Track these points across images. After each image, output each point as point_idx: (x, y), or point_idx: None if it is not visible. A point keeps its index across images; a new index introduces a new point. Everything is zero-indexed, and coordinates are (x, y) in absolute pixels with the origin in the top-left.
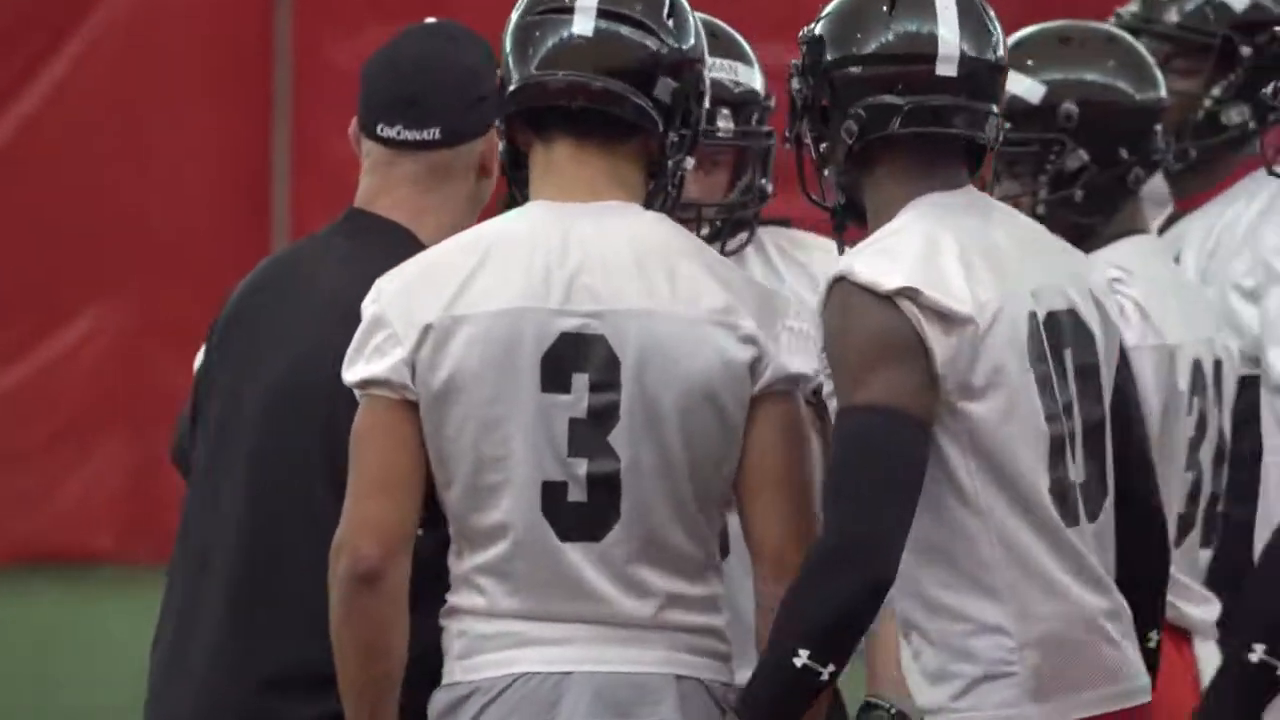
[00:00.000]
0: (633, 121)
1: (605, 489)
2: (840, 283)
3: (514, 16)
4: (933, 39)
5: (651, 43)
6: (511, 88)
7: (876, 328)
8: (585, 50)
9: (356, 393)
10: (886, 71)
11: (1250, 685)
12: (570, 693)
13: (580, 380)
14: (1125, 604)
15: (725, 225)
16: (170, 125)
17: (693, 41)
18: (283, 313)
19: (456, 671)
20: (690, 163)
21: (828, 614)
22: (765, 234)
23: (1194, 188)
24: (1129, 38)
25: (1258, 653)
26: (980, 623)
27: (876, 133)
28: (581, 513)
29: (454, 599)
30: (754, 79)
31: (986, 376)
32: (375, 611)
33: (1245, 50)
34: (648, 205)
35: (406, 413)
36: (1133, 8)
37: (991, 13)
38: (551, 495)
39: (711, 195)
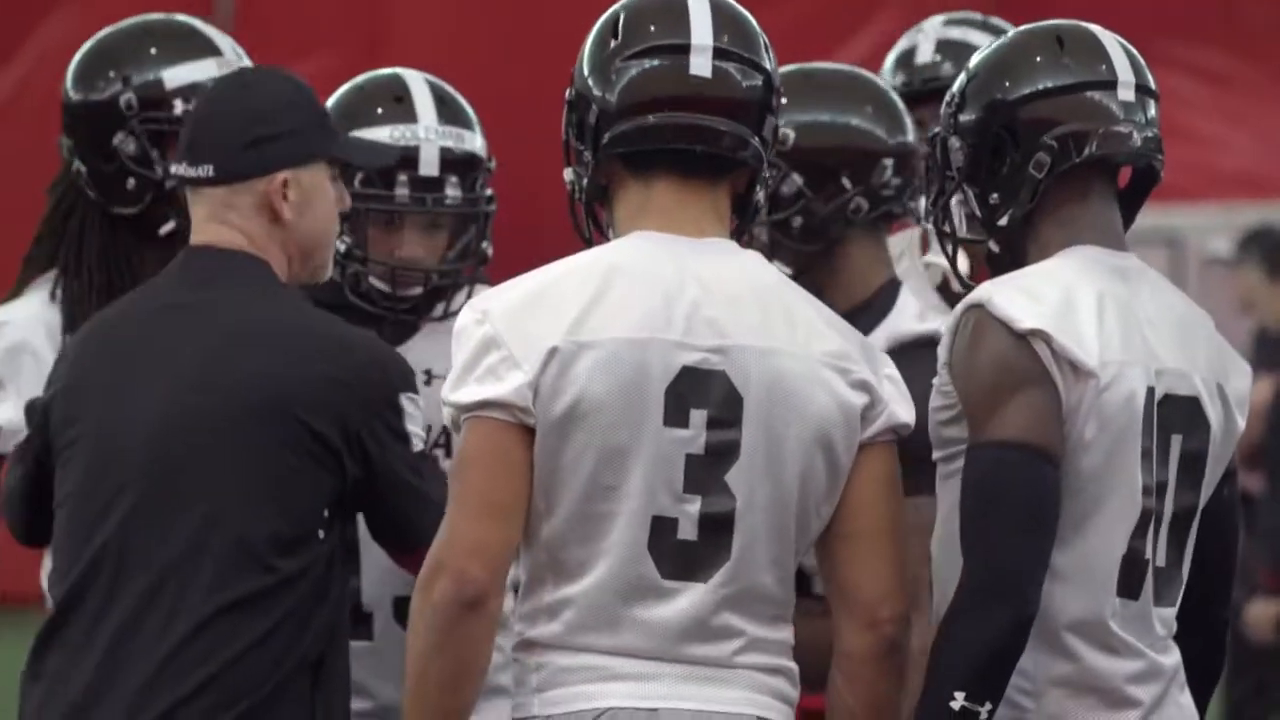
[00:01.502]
0: (739, 160)
1: (718, 529)
2: (976, 310)
3: (605, 51)
4: (1111, 67)
5: (760, 81)
6: (627, 127)
7: (1008, 360)
8: (706, 92)
9: (459, 414)
10: (1072, 101)
11: None
12: None
13: (698, 416)
14: (1165, 667)
15: (449, 286)
16: None
17: (773, 72)
18: (169, 347)
19: (534, 705)
20: (761, 196)
21: (979, 653)
22: None
23: None
24: (880, 82)
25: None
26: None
27: (1067, 162)
28: (690, 551)
29: (532, 631)
30: (476, 143)
31: (1095, 432)
32: (475, 637)
33: None
34: (736, 236)
35: (521, 436)
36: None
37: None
38: (660, 531)
39: (433, 256)
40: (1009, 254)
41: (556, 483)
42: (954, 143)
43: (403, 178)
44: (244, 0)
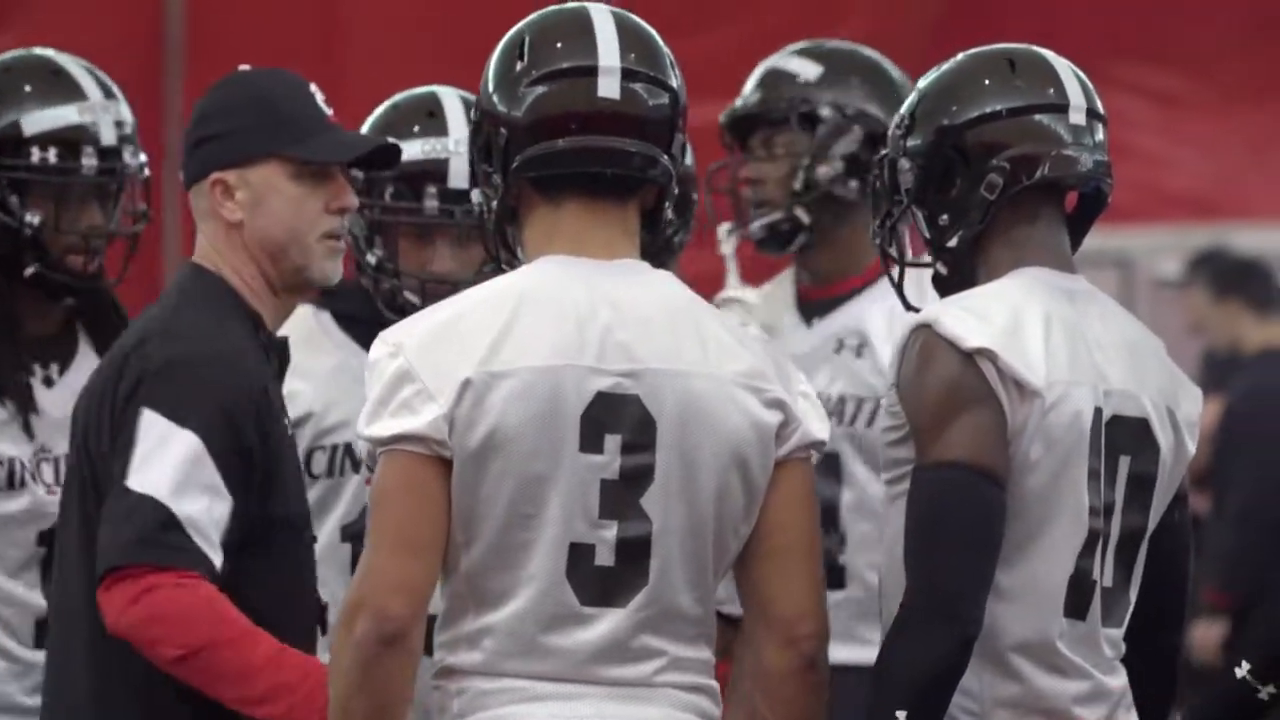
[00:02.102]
0: (648, 180)
1: (634, 553)
2: (924, 329)
3: (512, 73)
4: (1061, 90)
5: (667, 99)
6: (536, 151)
7: (955, 379)
8: (614, 114)
9: (375, 448)
10: (1023, 123)
11: None
12: None
13: (613, 441)
14: (1113, 689)
15: None
16: None
17: (680, 89)
18: None
19: None
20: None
21: (921, 673)
22: None
23: None
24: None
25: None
26: (959, 686)
27: (1018, 185)
28: (607, 577)
29: (452, 658)
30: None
31: (1040, 452)
32: (396, 673)
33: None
34: (646, 252)
35: (438, 469)
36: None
37: None
38: (577, 558)
39: (467, 268)
40: (957, 276)
41: (475, 514)
42: (903, 164)
43: (432, 190)
44: (195, 13)
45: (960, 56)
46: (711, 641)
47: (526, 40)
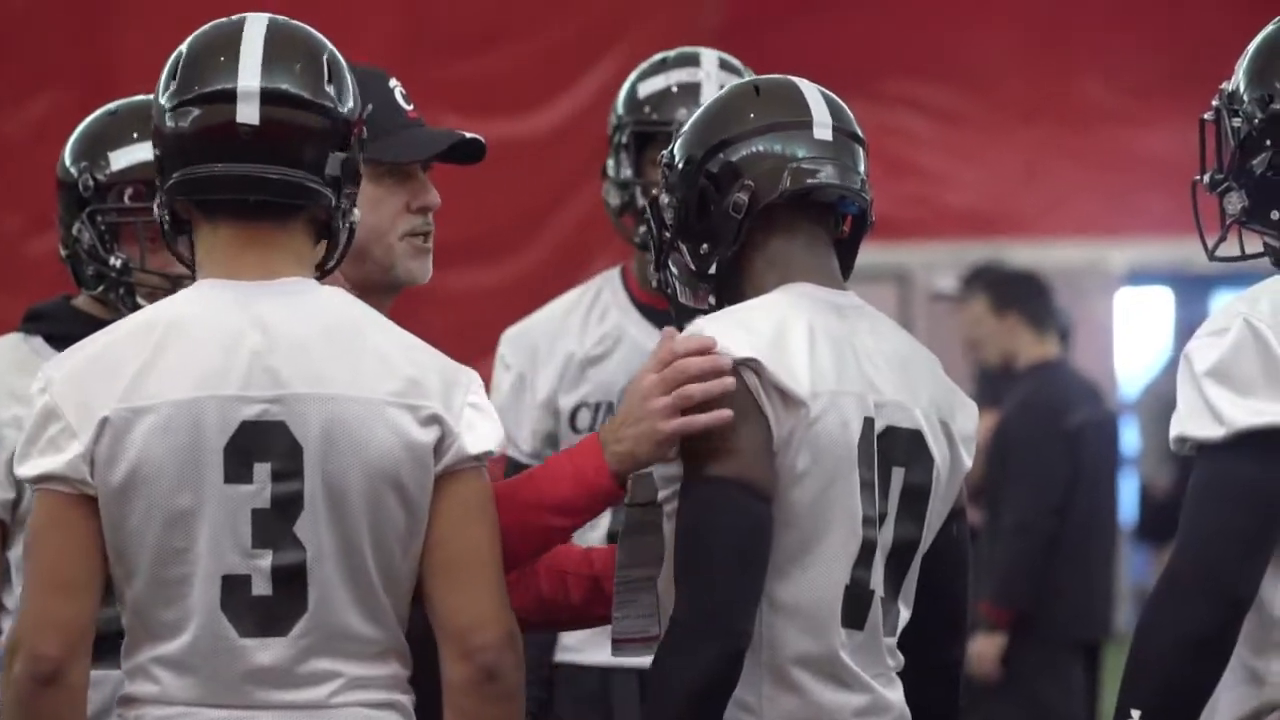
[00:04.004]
0: (298, 205)
1: (290, 581)
2: None
3: (164, 99)
4: (805, 109)
5: (318, 121)
6: (177, 177)
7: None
8: (254, 141)
9: (30, 488)
10: (765, 141)
11: None
12: None
13: (263, 469)
14: (892, 703)
15: None
16: None
17: (352, 102)
18: None
19: None
20: (358, 214)
21: (688, 687)
22: None
23: None
24: None
25: None
26: (739, 701)
27: (768, 197)
28: (266, 607)
29: (130, 688)
30: None
31: (808, 463)
32: (59, 710)
33: None
34: (323, 265)
35: (85, 508)
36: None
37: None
38: (232, 589)
39: None
40: (729, 301)
41: (127, 550)
42: (664, 199)
43: None
44: None
45: (719, 94)
46: (403, 657)
47: (181, 59)
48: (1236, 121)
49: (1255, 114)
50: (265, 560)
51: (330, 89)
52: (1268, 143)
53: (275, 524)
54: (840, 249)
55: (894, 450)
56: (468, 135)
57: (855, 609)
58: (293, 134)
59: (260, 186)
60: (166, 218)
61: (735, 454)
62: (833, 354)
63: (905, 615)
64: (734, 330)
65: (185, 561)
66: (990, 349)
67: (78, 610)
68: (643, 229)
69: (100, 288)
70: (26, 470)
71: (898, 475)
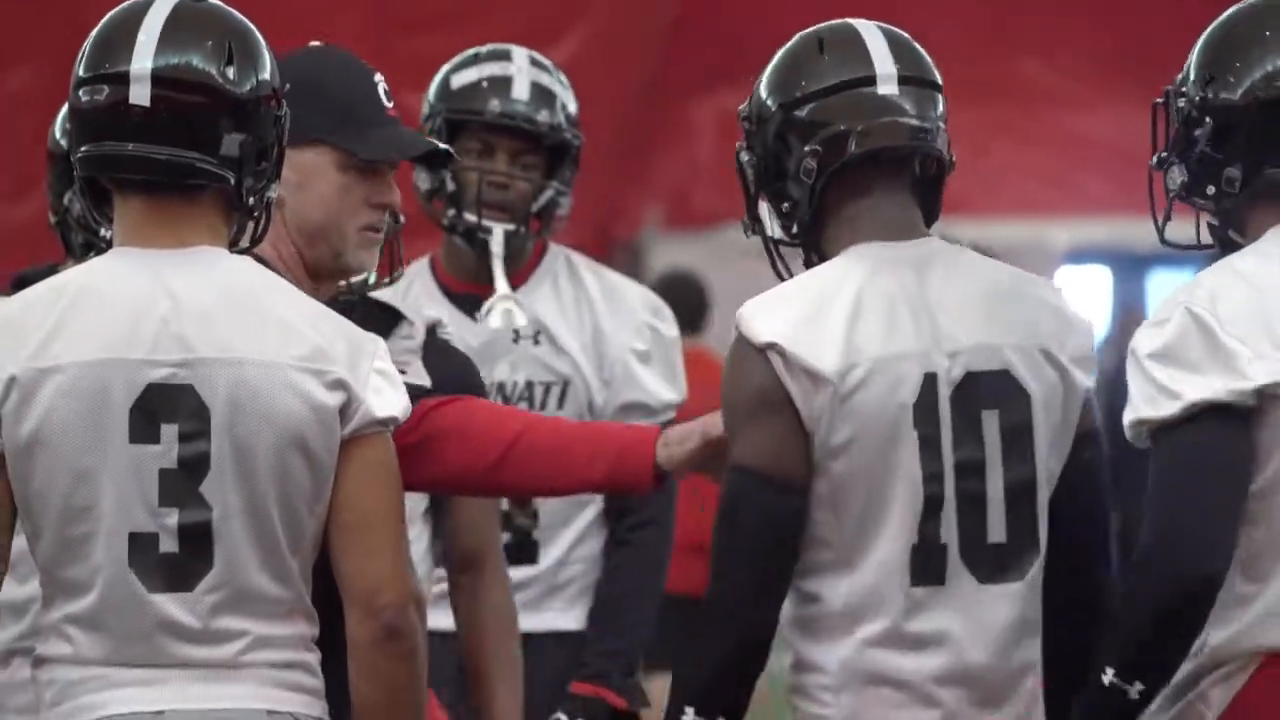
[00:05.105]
0: (190, 185)
1: (197, 539)
2: (738, 324)
3: (76, 75)
4: (869, 63)
5: (210, 103)
6: (81, 153)
7: (749, 382)
8: (144, 121)
9: None
10: (833, 101)
11: None
12: None
13: (170, 430)
14: (979, 668)
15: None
16: None
17: (260, 78)
18: None
19: (51, 719)
20: (276, 190)
21: (703, 672)
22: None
23: None
24: None
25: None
26: (808, 661)
27: (834, 162)
28: (173, 563)
29: (43, 649)
30: None
31: (849, 435)
32: None
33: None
34: (235, 240)
35: None
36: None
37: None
38: (140, 546)
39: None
40: (816, 257)
41: (34, 508)
42: (743, 157)
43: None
44: None
45: (787, 47)
46: (309, 617)
47: (90, 40)
48: (1182, 102)
49: (1196, 94)
50: (172, 519)
51: (230, 70)
52: (1207, 120)
53: (182, 483)
54: (925, 192)
55: (979, 395)
56: (441, 146)
57: (926, 566)
58: (183, 115)
59: (149, 167)
60: (84, 187)
61: (755, 445)
62: (884, 318)
63: (1035, 555)
64: (768, 312)
65: (89, 519)
66: None
67: None
68: (451, 212)
69: (89, 255)
70: None
71: (990, 418)
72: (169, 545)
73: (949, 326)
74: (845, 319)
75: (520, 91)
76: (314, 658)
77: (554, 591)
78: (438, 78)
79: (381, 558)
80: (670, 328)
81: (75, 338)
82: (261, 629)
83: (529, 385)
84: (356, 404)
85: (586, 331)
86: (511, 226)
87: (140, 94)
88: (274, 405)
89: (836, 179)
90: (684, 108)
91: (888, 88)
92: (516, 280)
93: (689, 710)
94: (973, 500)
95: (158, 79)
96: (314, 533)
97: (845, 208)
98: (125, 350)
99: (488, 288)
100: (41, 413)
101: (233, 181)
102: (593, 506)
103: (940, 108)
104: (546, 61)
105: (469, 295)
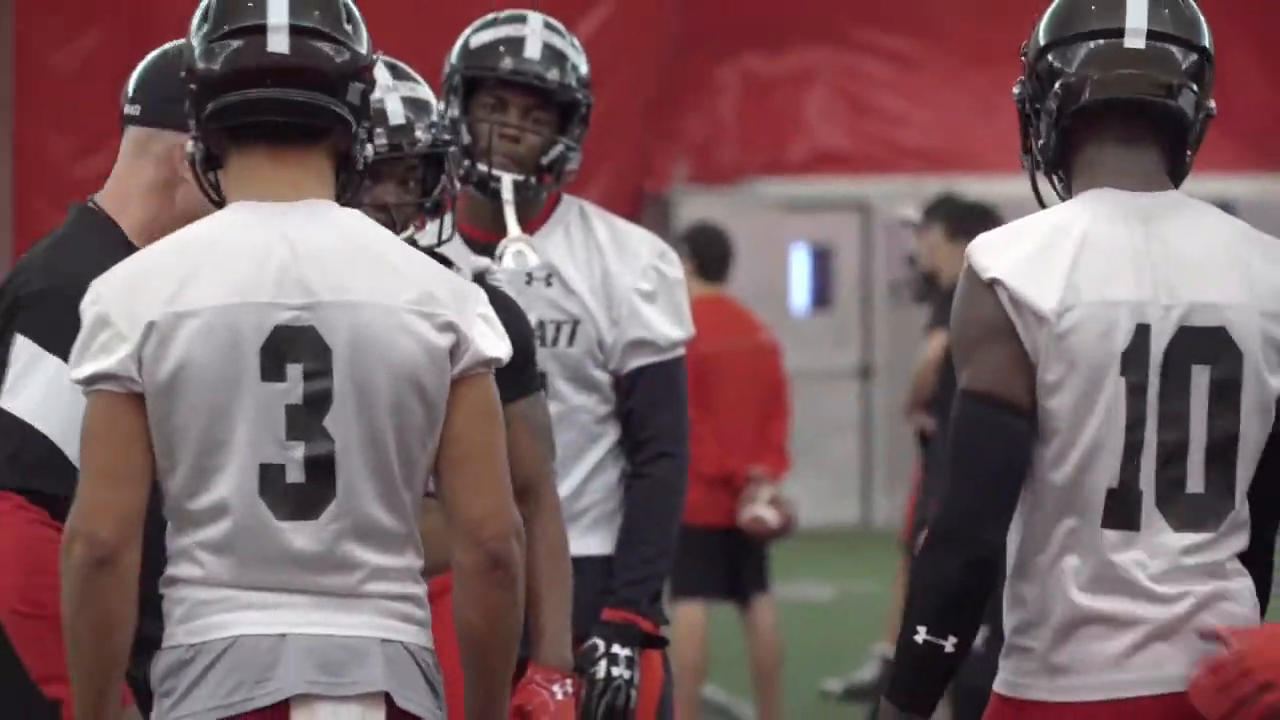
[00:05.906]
0: (328, 125)
1: (321, 470)
2: (969, 257)
3: (196, 40)
4: (1121, 16)
5: (337, 53)
6: (216, 105)
7: (979, 312)
8: (285, 66)
9: (83, 389)
10: (1081, 49)
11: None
12: (286, 653)
13: (295, 370)
14: (1172, 613)
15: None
16: None
17: (367, 46)
18: None
19: (179, 635)
20: (371, 150)
21: (935, 592)
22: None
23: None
24: None
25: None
26: (1014, 595)
27: (1071, 107)
28: (299, 493)
29: (174, 570)
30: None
31: (1061, 374)
32: (112, 592)
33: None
34: (340, 194)
35: (133, 404)
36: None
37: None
38: (269, 477)
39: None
40: (1066, 194)
41: (171, 443)
42: (1016, 90)
43: None
44: None
45: None
46: (419, 551)
47: (212, 4)
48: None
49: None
50: (298, 451)
51: (349, 28)
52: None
53: (307, 418)
54: (1173, 148)
55: (1193, 349)
56: None
57: (1122, 510)
58: (319, 62)
59: (289, 109)
60: (201, 151)
61: (985, 369)
62: (1106, 264)
63: (1230, 508)
64: (998, 247)
65: (224, 453)
66: (945, 273)
67: (129, 498)
68: (466, 163)
69: None
70: (79, 372)
71: (1200, 373)
72: (295, 476)
73: (1171, 279)
74: (1069, 261)
75: (533, 51)
76: (422, 590)
77: (570, 521)
78: (459, 40)
79: (487, 490)
80: (675, 269)
81: (207, 284)
82: (379, 559)
83: (541, 324)
84: (465, 345)
85: (595, 274)
86: (520, 176)
87: (279, 42)
88: (390, 346)
89: (1078, 122)
90: (709, 69)
91: (1134, 41)
92: (530, 227)
93: (920, 629)
94: (1174, 450)
95: (294, 29)
96: (425, 467)
97: (1086, 151)
98: (253, 294)
99: (504, 234)
100: (180, 355)
101: (354, 127)
102: (605, 440)
103: (1192, 67)
104: (560, 25)
105: (490, 245)
